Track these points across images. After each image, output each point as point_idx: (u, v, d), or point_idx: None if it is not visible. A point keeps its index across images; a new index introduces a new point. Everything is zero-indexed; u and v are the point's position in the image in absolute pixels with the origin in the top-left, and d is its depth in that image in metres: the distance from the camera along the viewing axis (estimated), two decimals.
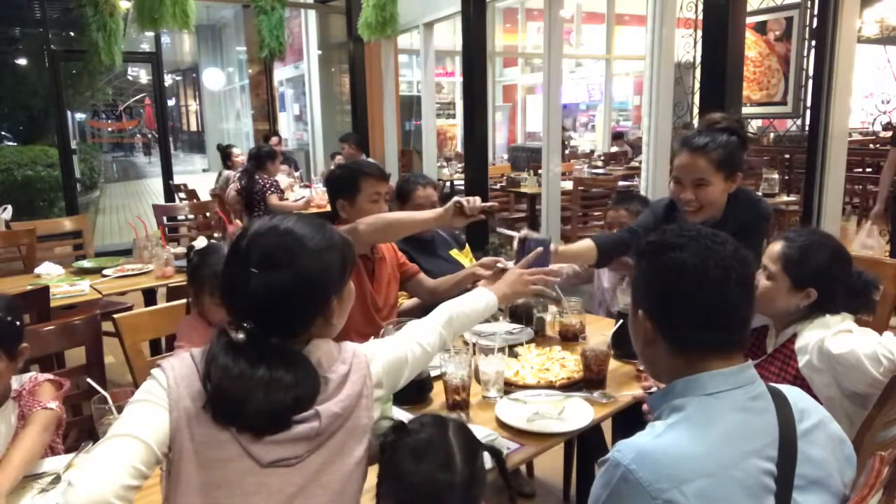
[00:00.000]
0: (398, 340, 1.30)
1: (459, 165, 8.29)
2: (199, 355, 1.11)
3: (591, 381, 1.85)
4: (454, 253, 2.84)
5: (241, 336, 1.06)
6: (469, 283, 2.21)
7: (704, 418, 1.00)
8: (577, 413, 1.69)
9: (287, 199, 5.47)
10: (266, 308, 1.08)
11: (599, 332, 2.09)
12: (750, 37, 4.77)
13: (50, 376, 1.72)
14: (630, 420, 1.54)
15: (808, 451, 1.03)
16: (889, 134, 9.37)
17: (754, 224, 2.02)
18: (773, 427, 1.02)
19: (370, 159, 7.42)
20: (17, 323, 1.57)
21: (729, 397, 1.02)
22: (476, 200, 1.99)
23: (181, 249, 3.57)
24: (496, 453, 1.13)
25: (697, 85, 4.21)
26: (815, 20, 4.17)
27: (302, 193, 6.09)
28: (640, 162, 4.96)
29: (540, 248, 1.83)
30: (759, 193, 4.37)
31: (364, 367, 1.15)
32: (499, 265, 1.88)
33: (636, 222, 2.27)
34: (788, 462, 1.00)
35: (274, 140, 7.29)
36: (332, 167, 6.98)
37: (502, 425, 1.64)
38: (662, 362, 1.11)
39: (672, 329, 1.08)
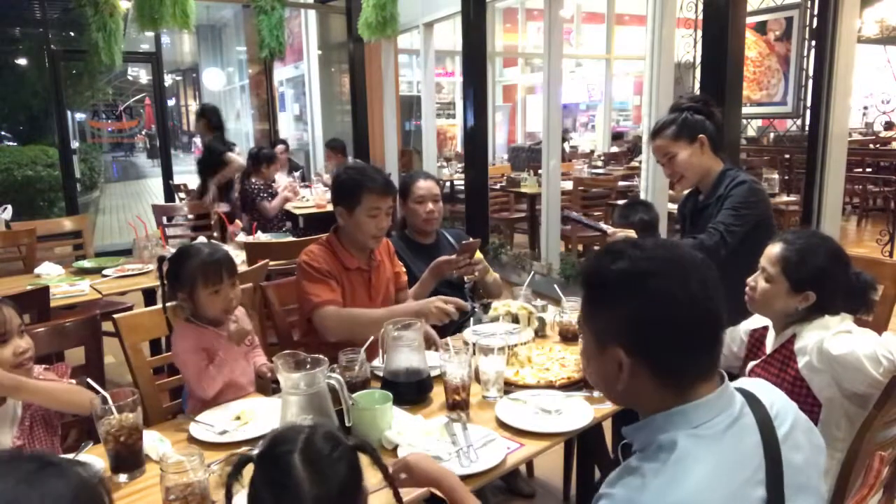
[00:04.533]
0: None
1: (459, 165, 8.28)
2: None
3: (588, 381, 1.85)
4: None
5: None
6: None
7: (693, 457, 0.94)
8: (578, 413, 1.69)
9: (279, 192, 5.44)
10: None
11: None
12: (750, 37, 4.76)
13: (46, 371, 1.75)
14: (630, 421, 1.54)
15: (791, 458, 1.00)
16: (889, 134, 9.41)
17: (733, 194, 2.23)
18: (758, 448, 0.99)
19: (365, 163, 7.39)
20: None
21: (713, 426, 0.98)
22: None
23: None
24: (369, 450, 1.03)
25: (697, 85, 4.21)
26: (815, 20, 4.17)
27: (303, 193, 6.10)
28: (640, 162, 4.96)
29: None
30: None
31: None
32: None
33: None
34: (777, 480, 0.98)
35: (280, 148, 7.22)
36: (333, 169, 6.98)
37: (502, 425, 1.65)
38: (645, 395, 1.02)
39: (661, 360, 0.99)
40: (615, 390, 1.04)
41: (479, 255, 2.51)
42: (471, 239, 2.53)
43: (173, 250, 1.97)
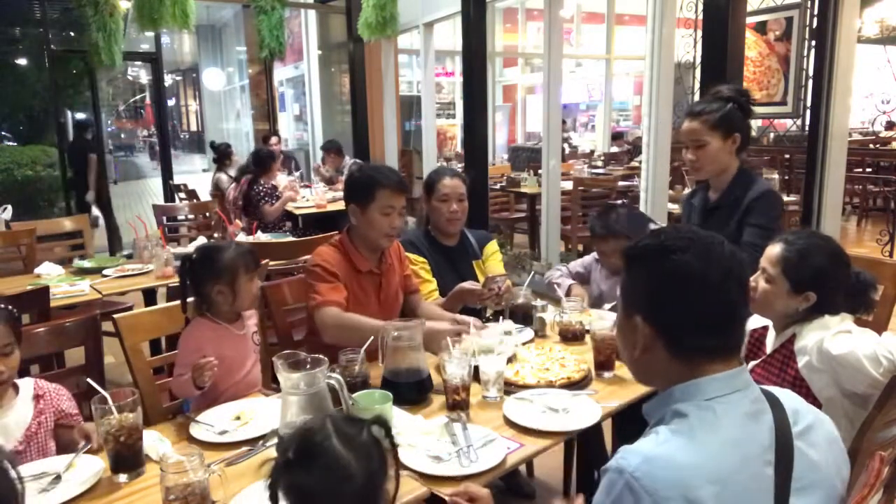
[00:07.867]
0: None
1: (459, 165, 8.28)
2: None
3: (599, 363, 1.93)
4: (478, 265, 2.68)
5: None
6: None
7: (707, 425, 0.99)
8: (586, 411, 1.70)
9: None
10: None
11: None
12: (750, 37, 4.77)
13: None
14: (631, 421, 1.54)
15: (805, 452, 1.02)
16: (889, 134, 9.41)
17: (756, 207, 2.24)
18: (769, 431, 1.02)
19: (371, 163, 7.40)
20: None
21: (728, 402, 1.01)
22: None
23: (181, 249, 3.57)
24: (383, 423, 1.05)
25: (697, 85, 4.21)
26: (815, 20, 4.17)
27: (303, 193, 6.10)
28: (640, 162, 4.96)
29: None
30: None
31: None
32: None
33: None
34: (785, 465, 1.00)
35: (273, 140, 7.28)
36: (324, 170, 7.01)
37: (509, 423, 1.65)
38: (660, 369, 1.08)
39: (673, 335, 1.05)
40: (633, 358, 1.11)
41: (507, 282, 2.38)
42: (497, 276, 2.39)
43: (188, 249, 1.99)
